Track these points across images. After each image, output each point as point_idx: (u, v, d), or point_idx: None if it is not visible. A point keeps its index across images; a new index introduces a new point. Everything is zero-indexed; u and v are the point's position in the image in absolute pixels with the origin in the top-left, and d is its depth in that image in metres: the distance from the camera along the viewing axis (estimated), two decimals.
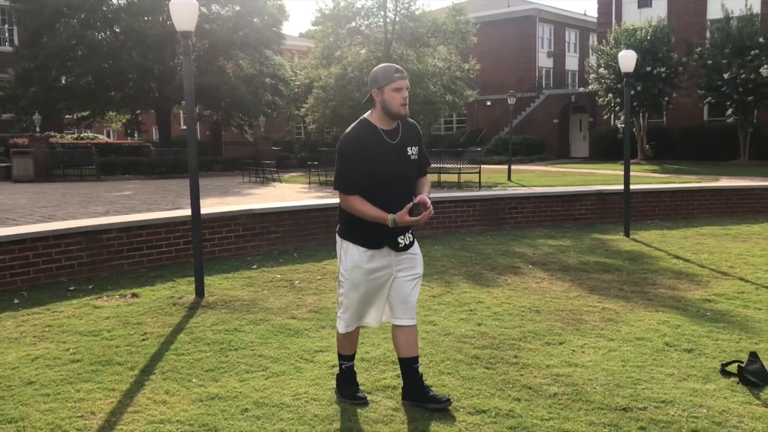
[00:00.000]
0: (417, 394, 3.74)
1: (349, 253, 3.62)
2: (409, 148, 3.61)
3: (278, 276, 7.14)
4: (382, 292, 3.67)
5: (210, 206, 10.82)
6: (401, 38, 25.65)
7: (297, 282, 6.85)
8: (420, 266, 3.74)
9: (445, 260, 7.87)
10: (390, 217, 3.46)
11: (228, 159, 31.27)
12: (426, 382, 3.83)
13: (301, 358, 4.53)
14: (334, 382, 4.06)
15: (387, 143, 3.53)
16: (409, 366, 3.75)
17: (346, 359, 3.88)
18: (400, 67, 3.50)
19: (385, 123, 3.56)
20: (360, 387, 3.95)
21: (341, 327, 3.77)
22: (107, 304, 6.04)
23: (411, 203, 3.46)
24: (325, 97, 25.18)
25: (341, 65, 25.45)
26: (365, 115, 3.60)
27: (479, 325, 5.27)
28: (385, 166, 3.51)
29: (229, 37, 30.32)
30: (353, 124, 3.60)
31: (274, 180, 23.83)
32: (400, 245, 3.62)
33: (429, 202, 3.48)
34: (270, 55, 33.93)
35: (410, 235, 3.68)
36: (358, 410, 3.70)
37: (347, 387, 3.86)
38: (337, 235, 3.75)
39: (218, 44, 30.50)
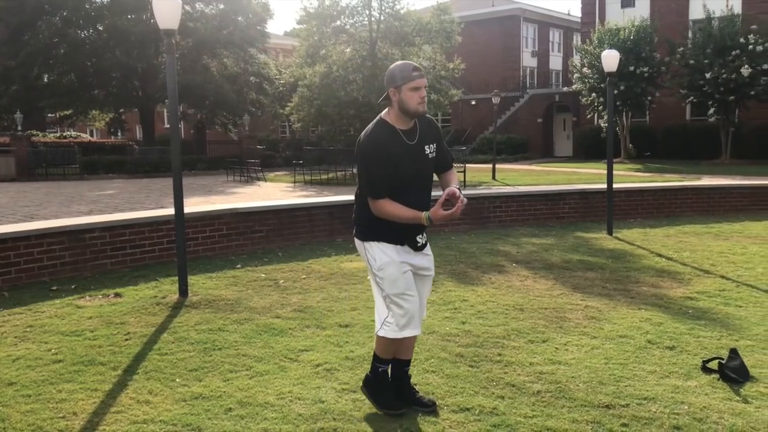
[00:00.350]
0: (404, 394, 3.74)
1: (377, 252, 3.51)
2: (426, 147, 3.54)
3: (262, 275, 7.12)
4: (413, 286, 3.58)
5: (194, 205, 10.76)
6: (386, 37, 25.64)
7: (281, 281, 6.84)
8: (433, 267, 3.73)
9: None
10: (424, 215, 3.36)
11: (212, 158, 31.16)
12: (411, 380, 3.84)
13: (286, 358, 4.52)
14: (317, 381, 4.06)
15: (406, 144, 3.45)
16: (401, 367, 3.75)
17: (383, 362, 3.71)
18: (417, 65, 3.43)
19: (403, 122, 3.47)
20: (345, 385, 3.95)
21: (391, 333, 3.55)
22: (90, 304, 5.99)
23: (443, 196, 3.37)
24: (309, 96, 25.12)
25: (326, 64, 25.41)
26: (382, 115, 3.51)
27: (463, 323, 5.29)
28: (405, 167, 3.43)
29: (214, 35, 30.22)
30: (370, 126, 3.51)
31: (258, 179, 23.76)
32: (419, 244, 3.57)
33: (458, 192, 3.38)
34: (254, 53, 33.88)
35: (425, 235, 3.64)
36: (342, 409, 3.70)
37: (382, 393, 3.70)
38: (357, 240, 3.62)
39: (202, 42, 30.39)
